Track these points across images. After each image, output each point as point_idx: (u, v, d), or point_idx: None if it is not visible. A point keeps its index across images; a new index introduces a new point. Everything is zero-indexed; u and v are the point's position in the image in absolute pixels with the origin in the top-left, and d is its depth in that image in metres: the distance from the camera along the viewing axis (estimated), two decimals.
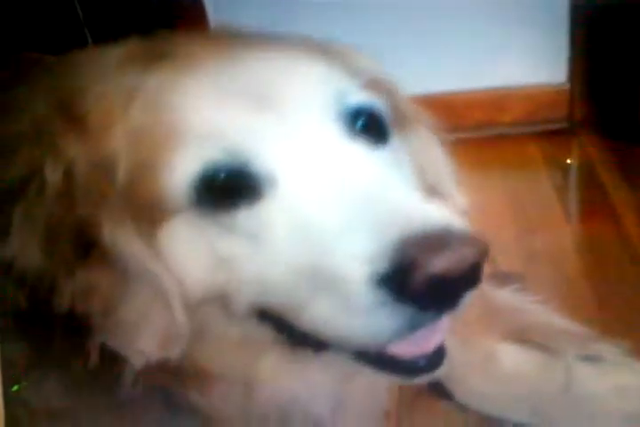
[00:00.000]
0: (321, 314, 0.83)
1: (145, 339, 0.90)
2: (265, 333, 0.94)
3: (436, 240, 0.78)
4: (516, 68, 2.36)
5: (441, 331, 0.92)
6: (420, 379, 0.94)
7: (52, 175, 0.87)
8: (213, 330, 0.94)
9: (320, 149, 0.88)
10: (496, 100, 2.38)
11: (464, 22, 2.28)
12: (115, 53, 0.98)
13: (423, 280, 0.76)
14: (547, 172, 2.23)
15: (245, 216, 0.86)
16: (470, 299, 0.84)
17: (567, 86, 2.38)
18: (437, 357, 0.92)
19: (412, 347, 0.90)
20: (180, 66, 0.92)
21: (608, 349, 1.39)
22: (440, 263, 0.76)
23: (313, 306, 0.83)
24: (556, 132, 2.40)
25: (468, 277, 0.80)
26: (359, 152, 0.90)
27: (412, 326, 0.82)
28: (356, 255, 0.79)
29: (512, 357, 1.38)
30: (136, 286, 0.88)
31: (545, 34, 2.33)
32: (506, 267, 1.72)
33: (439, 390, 1.42)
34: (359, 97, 0.96)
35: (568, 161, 2.23)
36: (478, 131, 2.34)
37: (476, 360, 1.37)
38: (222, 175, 0.86)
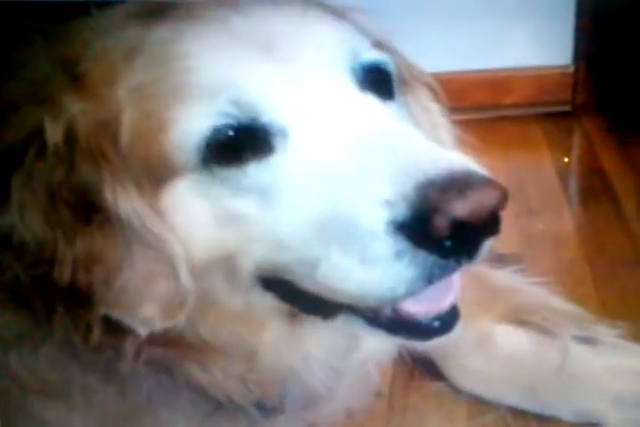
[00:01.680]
0: (336, 269, 0.81)
1: (149, 306, 0.88)
2: (267, 302, 0.93)
3: (458, 184, 0.76)
4: (521, 50, 2.36)
5: (454, 288, 0.91)
6: (435, 341, 0.92)
7: (53, 135, 0.85)
8: (216, 300, 0.92)
9: (333, 100, 0.86)
10: (500, 82, 2.37)
11: (470, 3, 2.27)
12: (115, 13, 0.96)
13: (445, 225, 0.75)
14: (549, 154, 2.23)
15: (256, 171, 0.84)
16: (487, 248, 0.82)
17: (572, 69, 2.38)
18: (451, 317, 0.91)
19: (427, 305, 0.88)
20: (185, 17, 0.90)
21: (605, 331, 1.38)
22: (463, 207, 0.75)
23: (327, 261, 0.81)
24: (558, 114, 2.40)
25: (489, 223, 0.78)
26: (372, 104, 0.89)
27: (432, 277, 0.80)
28: (375, 200, 0.78)
29: (508, 338, 1.37)
30: (139, 251, 0.86)
31: (551, 16, 2.32)
32: (505, 248, 1.71)
33: (433, 371, 1.41)
34: (372, 54, 0.95)
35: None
36: (481, 112, 2.33)
37: (472, 341, 1.35)
38: (233, 130, 0.84)
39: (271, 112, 0.84)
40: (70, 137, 0.85)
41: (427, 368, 1.42)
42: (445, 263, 0.79)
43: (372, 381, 1.21)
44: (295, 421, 1.13)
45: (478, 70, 2.36)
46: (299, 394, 1.05)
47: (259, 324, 0.96)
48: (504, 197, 0.78)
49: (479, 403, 1.36)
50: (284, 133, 0.84)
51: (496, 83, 2.36)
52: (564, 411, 1.30)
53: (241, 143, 0.85)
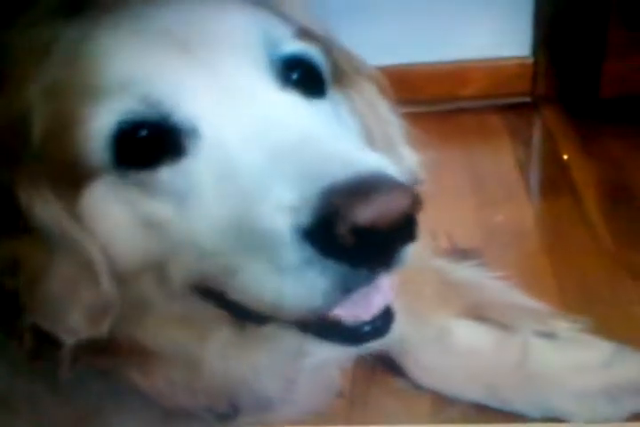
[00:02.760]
0: (252, 278, 0.77)
1: (73, 314, 0.85)
2: (207, 309, 0.89)
3: (361, 188, 0.71)
4: (479, 41, 2.35)
5: (384, 292, 0.86)
6: (367, 346, 0.88)
7: None
8: (152, 306, 0.89)
9: (247, 98, 0.82)
10: (458, 73, 2.36)
11: None
12: (40, 7, 0.92)
13: (348, 231, 0.70)
14: (508, 146, 2.22)
15: (169, 174, 0.80)
16: (408, 258, 0.78)
17: (531, 60, 2.37)
18: (383, 320, 0.86)
19: (353, 309, 0.83)
20: (101, 12, 0.87)
21: (566, 325, 1.37)
22: (365, 212, 0.70)
23: (244, 270, 0.77)
24: (518, 106, 2.40)
25: (400, 230, 0.73)
26: (290, 102, 0.84)
27: (346, 288, 0.75)
28: (279, 206, 0.73)
29: (468, 333, 1.36)
30: (60, 257, 0.83)
31: (509, 6, 2.32)
32: (464, 242, 1.71)
33: (393, 368, 1.39)
34: (293, 45, 0.90)
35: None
36: (439, 104, 2.33)
37: (431, 336, 1.34)
38: (141, 129, 0.80)
39: (182, 110, 0.80)
40: None
41: (387, 365, 1.40)
42: (359, 273, 0.75)
43: (332, 382, 1.19)
44: (252, 422, 1.10)
45: (435, 62, 2.35)
46: (251, 399, 1.02)
47: (201, 330, 0.93)
48: (414, 201, 0.73)
49: (442, 399, 1.35)
50: (195, 134, 0.81)
51: (453, 75, 2.35)
52: (526, 407, 1.29)
53: (153, 145, 0.81)
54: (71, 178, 0.82)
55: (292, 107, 0.84)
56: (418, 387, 1.37)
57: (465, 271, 1.49)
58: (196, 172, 0.80)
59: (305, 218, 0.72)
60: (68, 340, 0.85)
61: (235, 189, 0.78)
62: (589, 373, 1.30)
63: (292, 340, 0.95)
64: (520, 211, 1.92)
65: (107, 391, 0.97)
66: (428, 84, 2.29)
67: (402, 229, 0.74)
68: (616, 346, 1.33)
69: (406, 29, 2.26)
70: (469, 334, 1.35)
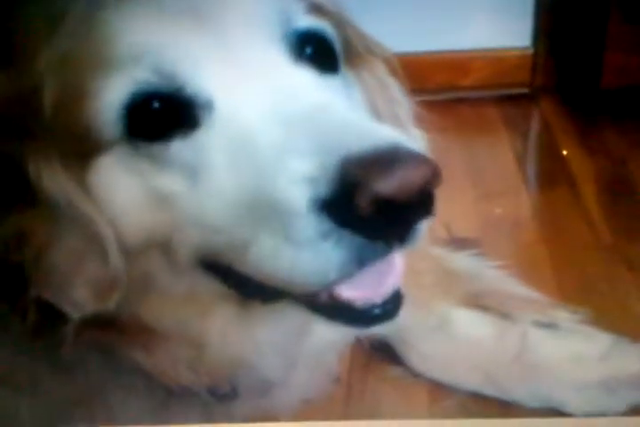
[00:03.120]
0: (265, 252, 0.77)
1: (79, 288, 0.85)
2: (212, 286, 0.89)
3: (382, 159, 0.71)
4: (479, 31, 2.34)
5: (394, 274, 0.86)
6: (376, 328, 0.88)
7: None
8: (157, 282, 0.89)
9: (262, 71, 0.82)
10: (458, 63, 2.35)
11: None
12: None
13: (368, 202, 0.70)
14: (507, 137, 2.22)
15: (181, 147, 0.80)
16: (422, 234, 0.78)
17: (530, 51, 2.37)
18: (393, 304, 0.86)
19: (365, 291, 0.83)
20: None
21: (564, 316, 1.38)
22: (387, 183, 0.70)
23: (256, 244, 0.77)
24: (517, 97, 2.39)
25: (419, 203, 0.73)
26: (304, 76, 0.84)
27: (361, 260, 0.75)
28: (296, 178, 0.73)
29: (467, 322, 1.36)
30: (67, 230, 0.83)
31: None
32: (463, 232, 1.71)
33: (392, 356, 1.40)
34: (307, 20, 0.89)
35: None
36: (440, 93, 2.32)
37: (431, 326, 1.34)
38: (154, 100, 0.79)
39: (195, 83, 0.80)
40: None
41: (385, 353, 1.40)
42: (375, 246, 0.75)
43: (330, 368, 1.19)
44: (251, 407, 1.10)
45: (436, 51, 2.34)
46: (251, 380, 1.02)
47: (205, 308, 0.92)
48: (435, 174, 0.73)
49: (440, 388, 1.35)
50: (209, 106, 0.80)
51: (454, 64, 2.35)
52: (524, 396, 1.30)
53: (166, 117, 0.80)
54: (81, 150, 0.81)
55: (306, 80, 0.83)
56: (415, 375, 1.37)
57: (464, 261, 1.49)
58: (209, 144, 0.80)
59: (323, 189, 0.72)
60: (74, 313, 0.84)
61: (249, 161, 0.78)
62: (588, 364, 1.30)
63: (294, 318, 0.96)
64: (518, 202, 1.92)
65: (108, 371, 0.97)
66: (428, 74, 2.28)
67: (420, 202, 0.73)
68: (614, 338, 1.34)
69: (407, 19, 2.25)
70: (469, 324, 1.36)
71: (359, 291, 0.83)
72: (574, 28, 2.31)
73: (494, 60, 2.36)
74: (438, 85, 2.33)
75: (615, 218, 1.81)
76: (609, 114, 2.20)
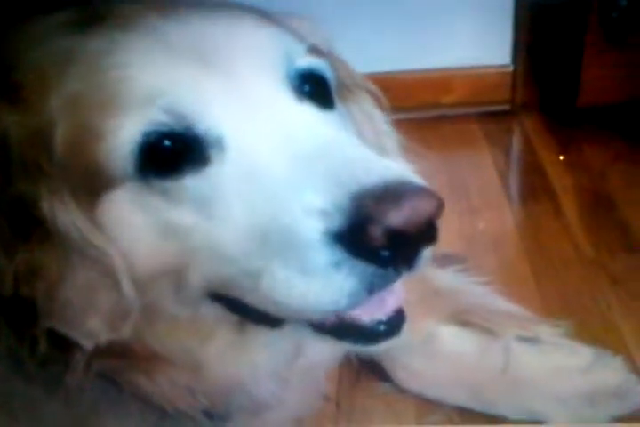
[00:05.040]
0: (277, 282, 0.80)
1: (93, 319, 0.87)
2: (216, 313, 0.93)
3: (392, 193, 0.76)
4: (460, 50, 2.36)
5: (397, 293, 0.90)
6: (381, 345, 0.92)
7: None
8: (164, 311, 0.91)
9: (269, 109, 0.85)
10: (440, 81, 2.37)
11: (409, 2, 2.27)
12: (48, 22, 0.93)
13: (381, 234, 0.74)
14: (489, 153, 2.24)
15: (193, 182, 0.83)
16: (427, 257, 0.82)
17: (510, 68, 2.39)
18: (397, 321, 0.91)
19: (370, 309, 0.88)
20: (122, 25, 0.88)
21: (547, 330, 1.40)
22: (398, 216, 0.75)
23: (269, 274, 0.80)
24: (498, 113, 2.42)
25: (426, 231, 0.78)
26: (309, 112, 0.88)
27: (372, 287, 0.80)
28: (310, 210, 0.77)
29: (452, 339, 1.38)
30: (80, 263, 0.85)
31: (490, 16, 2.34)
32: (446, 248, 1.72)
33: (379, 373, 1.41)
34: (307, 60, 0.93)
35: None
36: (422, 111, 2.34)
37: (416, 342, 1.36)
38: (166, 139, 0.83)
39: (206, 121, 0.83)
40: (4, 149, 0.84)
41: (373, 370, 1.42)
42: (385, 273, 0.79)
43: (320, 386, 1.21)
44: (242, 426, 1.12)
45: (418, 70, 2.36)
46: (246, 402, 1.04)
47: (206, 334, 0.95)
48: (440, 205, 0.78)
49: (427, 403, 1.37)
50: (220, 143, 0.83)
51: (436, 83, 2.37)
52: (509, 410, 1.32)
53: (177, 154, 0.83)
54: (92, 186, 0.84)
55: (311, 116, 0.87)
56: (403, 391, 1.39)
57: (448, 277, 1.51)
58: (222, 179, 0.83)
59: (338, 222, 0.76)
60: (88, 344, 0.87)
61: (263, 195, 0.81)
62: (570, 377, 1.32)
63: (290, 340, 1.00)
64: (501, 218, 1.95)
65: (104, 398, 0.98)
66: (410, 92, 2.31)
67: (427, 231, 0.78)
68: (596, 351, 1.37)
69: (388, 38, 2.28)
70: (453, 340, 1.38)
71: (365, 310, 0.87)
72: (553, 46, 2.34)
73: (475, 78, 2.38)
74: (421, 103, 2.35)
75: (596, 232, 1.84)
76: (590, 130, 2.23)
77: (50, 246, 0.84)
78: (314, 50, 0.97)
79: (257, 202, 0.81)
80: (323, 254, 0.77)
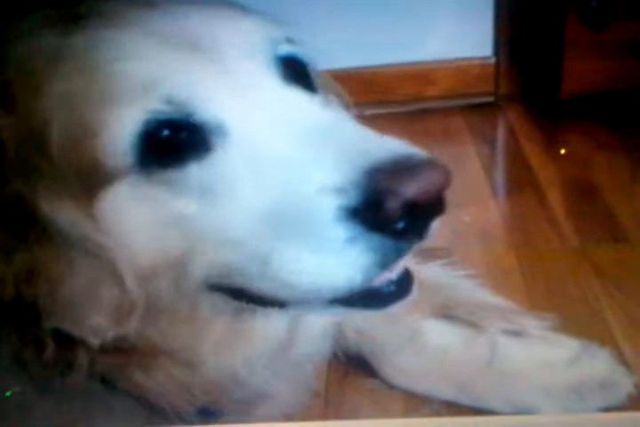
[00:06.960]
0: (289, 262, 0.81)
1: (98, 315, 0.87)
2: (214, 302, 0.93)
3: (405, 166, 0.77)
4: (442, 42, 2.37)
5: None
6: (394, 306, 0.93)
7: None
8: (165, 304, 0.91)
9: (265, 92, 0.86)
10: (422, 75, 2.38)
11: None
12: (29, 22, 0.93)
13: (398, 206, 0.76)
14: (473, 145, 2.24)
15: (197, 170, 0.83)
16: (436, 227, 0.84)
17: (493, 60, 2.39)
18: (407, 280, 0.92)
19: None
20: (107, 21, 0.88)
21: (533, 323, 1.40)
22: (413, 188, 0.76)
23: (280, 255, 0.81)
24: (481, 106, 2.42)
25: (438, 202, 0.80)
26: (302, 95, 0.89)
27: (387, 262, 0.81)
28: (324, 188, 0.78)
29: (438, 333, 1.38)
30: (81, 261, 0.85)
31: (471, 8, 2.34)
32: (433, 241, 1.72)
33: (367, 369, 1.41)
34: (288, 47, 0.95)
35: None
36: (405, 105, 2.34)
37: (403, 337, 1.36)
38: (166, 128, 0.83)
39: (205, 108, 0.84)
40: None
41: (360, 366, 1.42)
42: (398, 246, 0.81)
43: (310, 381, 1.22)
44: (233, 423, 1.12)
45: (400, 64, 2.36)
46: (239, 396, 1.05)
47: (203, 324, 0.96)
48: (449, 177, 0.80)
49: (415, 398, 1.37)
50: (221, 129, 0.84)
51: (418, 76, 2.37)
52: (497, 403, 1.31)
53: (179, 142, 0.84)
54: (91, 182, 0.84)
55: (305, 97, 0.88)
56: (391, 387, 1.39)
57: (434, 271, 1.51)
58: (227, 164, 0.84)
59: (354, 198, 0.77)
60: (95, 341, 0.87)
61: (271, 176, 0.82)
62: (557, 370, 1.32)
63: (282, 330, 1.01)
64: (486, 210, 1.95)
65: (94, 397, 0.98)
66: (394, 86, 2.31)
67: (439, 202, 0.80)
68: (582, 343, 1.36)
69: (369, 33, 2.27)
70: (440, 334, 1.37)
71: None
72: (534, 37, 2.34)
73: (458, 71, 2.39)
74: (404, 97, 2.36)
75: (581, 223, 1.84)
76: (574, 120, 2.24)
77: (49, 245, 0.84)
78: (289, 40, 0.97)
79: (266, 184, 0.82)
80: (339, 231, 0.78)
